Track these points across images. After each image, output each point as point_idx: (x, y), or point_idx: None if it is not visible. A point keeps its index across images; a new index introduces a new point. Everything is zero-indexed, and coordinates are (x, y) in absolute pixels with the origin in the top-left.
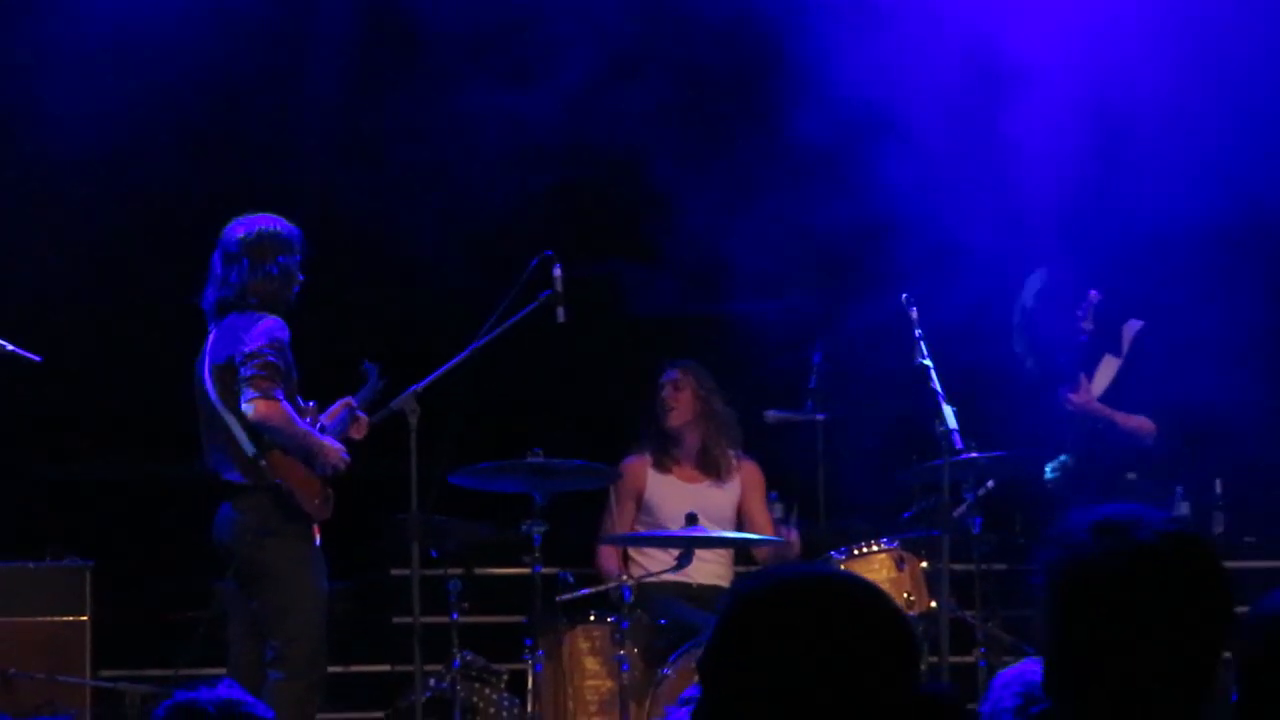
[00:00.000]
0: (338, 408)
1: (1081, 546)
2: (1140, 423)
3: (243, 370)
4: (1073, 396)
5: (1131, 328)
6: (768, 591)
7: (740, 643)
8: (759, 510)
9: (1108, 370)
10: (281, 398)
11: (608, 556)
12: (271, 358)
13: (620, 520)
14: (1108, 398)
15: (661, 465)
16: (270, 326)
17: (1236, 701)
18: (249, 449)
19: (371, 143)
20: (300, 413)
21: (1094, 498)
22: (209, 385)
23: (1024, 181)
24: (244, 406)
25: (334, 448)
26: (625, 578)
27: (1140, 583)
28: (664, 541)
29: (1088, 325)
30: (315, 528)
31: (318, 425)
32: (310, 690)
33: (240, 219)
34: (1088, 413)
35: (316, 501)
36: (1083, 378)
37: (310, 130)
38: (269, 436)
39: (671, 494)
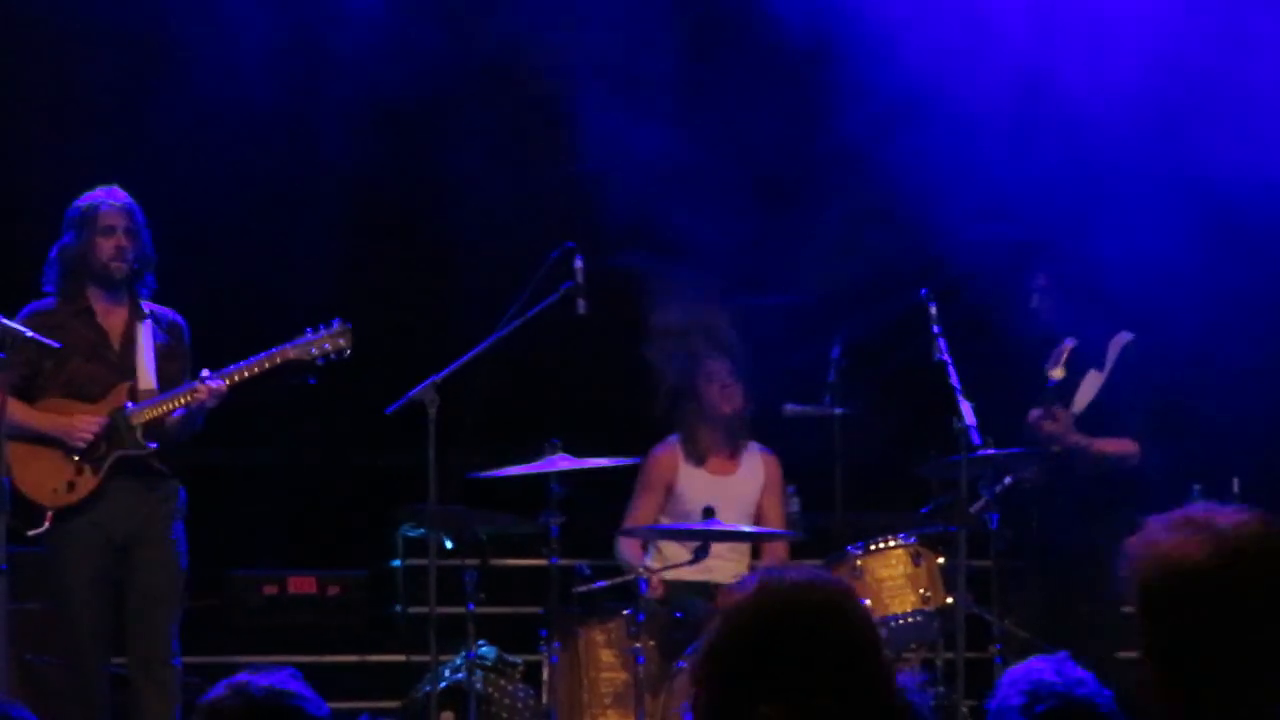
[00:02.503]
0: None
1: (1163, 545)
2: (1120, 445)
3: None
4: (1043, 422)
5: (1120, 340)
6: (746, 597)
7: (721, 646)
8: (773, 504)
9: (1090, 386)
10: None
11: (629, 545)
12: None
13: (645, 507)
14: (1088, 415)
15: (694, 456)
16: (23, 311)
17: None
18: None
19: (404, 135)
20: (71, 392)
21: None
22: None
23: (1038, 178)
24: None
25: (64, 423)
26: (644, 569)
27: (1222, 574)
28: (678, 535)
29: (1057, 373)
30: (48, 514)
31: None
32: None
33: None
34: (1060, 441)
35: (56, 485)
36: (1057, 407)
37: (343, 116)
38: None
39: (701, 485)
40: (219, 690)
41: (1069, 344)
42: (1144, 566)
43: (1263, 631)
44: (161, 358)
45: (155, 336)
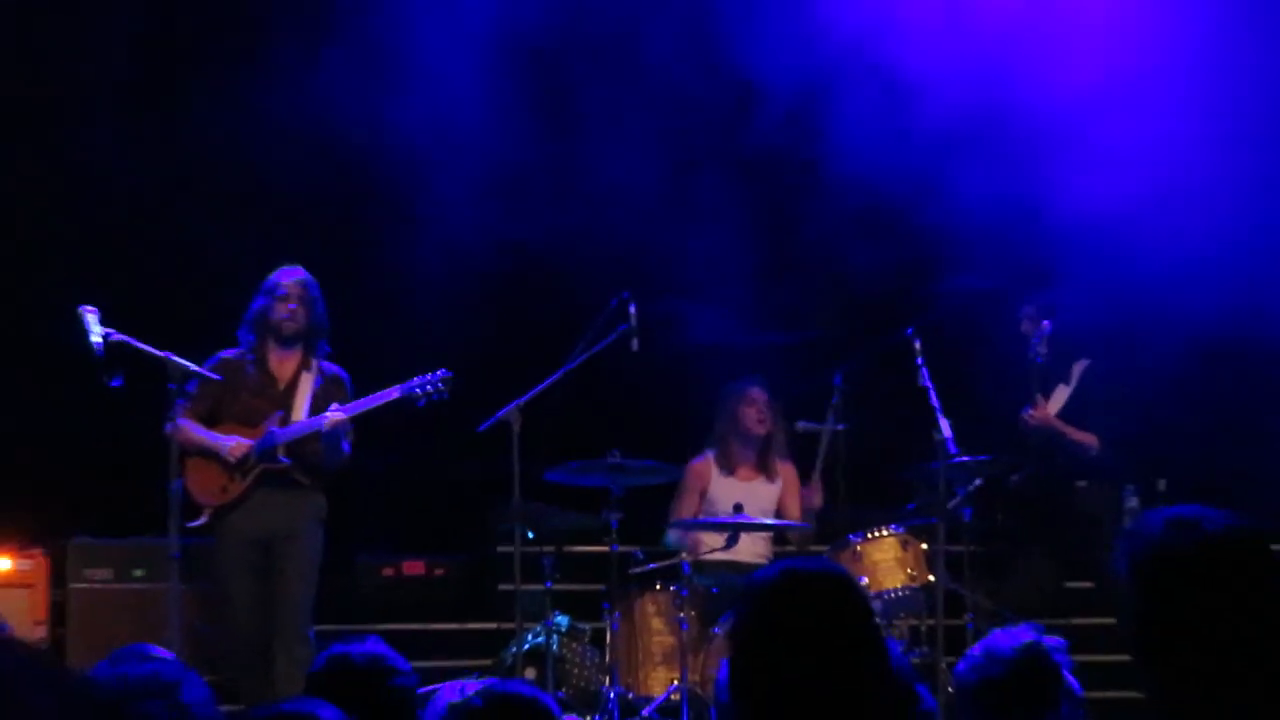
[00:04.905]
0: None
1: (1155, 538)
2: (1086, 437)
3: None
4: (1033, 413)
5: (1080, 365)
6: (769, 581)
7: (750, 620)
8: (793, 502)
9: (1059, 398)
10: (178, 417)
11: (676, 534)
12: (190, 386)
13: (687, 507)
14: (1059, 418)
15: (725, 466)
16: (214, 357)
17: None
18: None
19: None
20: (240, 420)
21: (1051, 499)
22: None
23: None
24: None
25: (223, 444)
26: (686, 555)
27: (1207, 569)
28: (718, 527)
29: (1042, 349)
30: (207, 511)
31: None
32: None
33: None
34: (1044, 426)
35: (214, 488)
36: (1039, 397)
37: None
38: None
39: (730, 490)
40: (323, 661)
41: (1047, 326)
42: (1139, 557)
43: (1238, 619)
44: (317, 399)
45: (316, 383)
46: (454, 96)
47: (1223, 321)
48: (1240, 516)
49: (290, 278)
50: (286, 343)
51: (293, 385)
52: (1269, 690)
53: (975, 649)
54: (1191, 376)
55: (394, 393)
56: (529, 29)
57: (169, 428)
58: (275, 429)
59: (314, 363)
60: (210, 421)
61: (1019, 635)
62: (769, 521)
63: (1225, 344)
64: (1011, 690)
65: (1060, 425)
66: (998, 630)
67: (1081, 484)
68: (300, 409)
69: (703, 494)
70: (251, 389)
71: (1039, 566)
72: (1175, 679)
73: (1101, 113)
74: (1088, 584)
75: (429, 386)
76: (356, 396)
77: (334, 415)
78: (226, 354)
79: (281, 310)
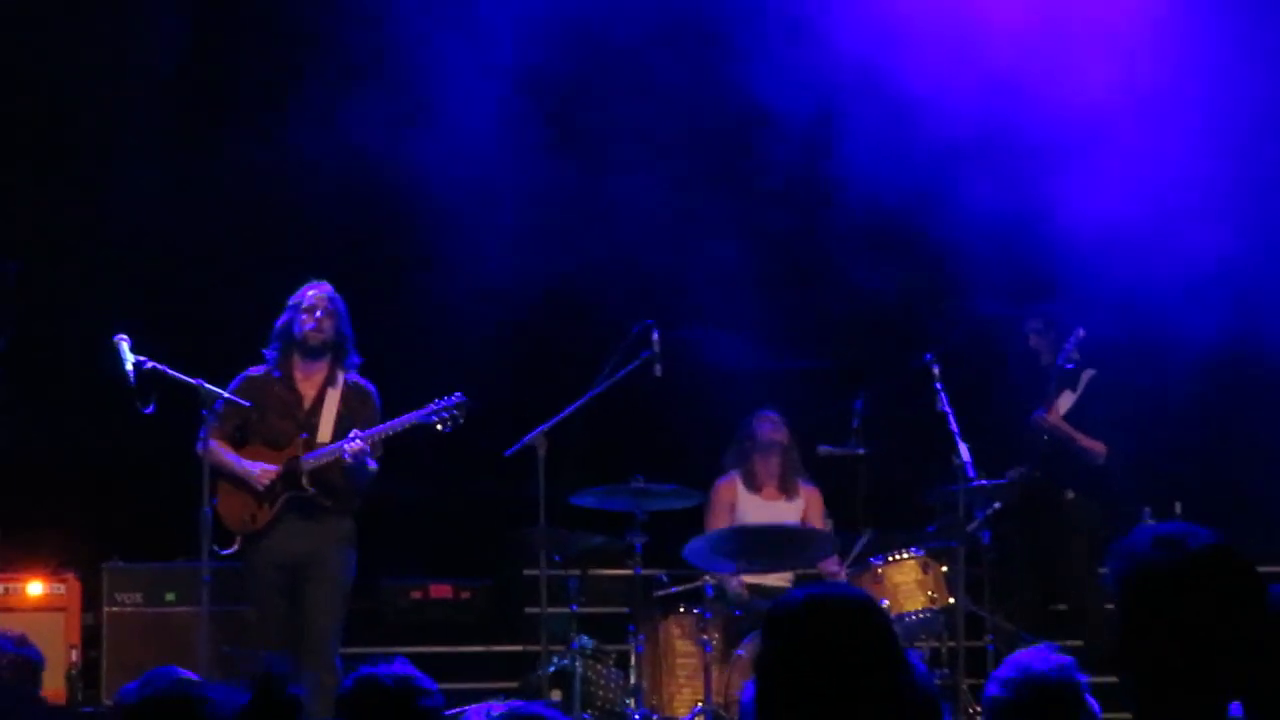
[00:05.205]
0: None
1: (1142, 555)
2: (1094, 444)
3: None
4: (1047, 415)
5: (1088, 374)
6: (794, 606)
7: (776, 644)
8: (818, 522)
9: (1065, 403)
10: (206, 438)
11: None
12: (218, 405)
13: (719, 525)
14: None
15: (750, 484)
16: (239, 376)
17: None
18: None
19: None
20: (267, 441)
21: (1038, 509)
22: None
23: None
24: None
25: (250, 470)
26: (709, 577)
27: (1192, 585)
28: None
29: (1075, 356)
30: (237, 539)
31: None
32: None
33: None
34: (1055, 429)
35: (244, 516)
36: (1054, 400)
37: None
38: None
39: (756, 508)
40: (352, 682)
41: (1081, 332)
42: (1126, 574)
43: (1221, 634)
44: (342, 418)
45: (342, 400)
46: (480, 132)
47: (1240, 343)
48: (1224, 535)
49: (315, 290)
50: (312, 355)
51: (318, 404)
52: (1250, 705)
53: (1005, 670)
54: (1207, 399)
55: (411, 418)
56: (551, 66)
57: (199, 448)
58: (303, 455)
59: (340, 378)
60: (238, 441)
61: (1048, 656)
62: (792, 524)
63: (1242, 364)
64: (1042, 711)
65: (1070, 430)
66: (1021, 651)
67: (1070, 495)
68: (325, 430)
69: (732, 509)
70: (277, 410)
71: (1027, 586)
72: (1160, 694)
73: (1110, 131)
74: (1062, 607)
75: (445, 412)
76: (384, 421)
77: (353, 445)
78: (252, 372)
79: (307, 321)
